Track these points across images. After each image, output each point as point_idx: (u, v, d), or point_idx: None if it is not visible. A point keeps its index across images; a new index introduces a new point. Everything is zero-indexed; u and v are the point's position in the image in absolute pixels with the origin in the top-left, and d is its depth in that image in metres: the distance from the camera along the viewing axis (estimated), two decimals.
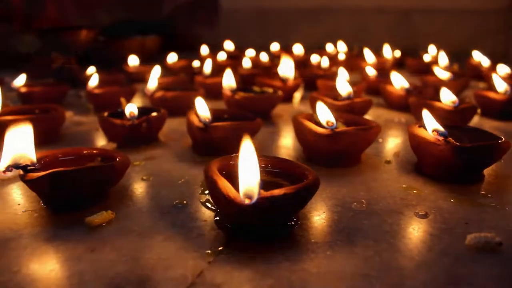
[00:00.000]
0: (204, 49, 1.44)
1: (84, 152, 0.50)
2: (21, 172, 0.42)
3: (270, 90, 0.81)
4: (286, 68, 0.91)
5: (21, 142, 0.43)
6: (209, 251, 0.37)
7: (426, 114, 0.54)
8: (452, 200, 0.46)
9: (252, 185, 0.35)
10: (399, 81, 0.86)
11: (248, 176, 0.36)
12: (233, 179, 0.39)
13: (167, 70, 1.26)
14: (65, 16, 1.35)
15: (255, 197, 0.35)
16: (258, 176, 0.36)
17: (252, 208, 0.35)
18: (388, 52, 1.41)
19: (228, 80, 0.77)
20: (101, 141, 0.67)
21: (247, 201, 0.35)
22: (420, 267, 0.35)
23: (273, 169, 0.44)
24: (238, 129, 0.57)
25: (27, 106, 0.73)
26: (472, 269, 0.34)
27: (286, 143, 0.67)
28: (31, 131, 0.44)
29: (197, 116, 0.60)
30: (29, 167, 0.42)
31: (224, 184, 0.37)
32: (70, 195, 0.43)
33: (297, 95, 1.02)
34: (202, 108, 0.60)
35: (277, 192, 0.36)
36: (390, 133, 0.72)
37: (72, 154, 0.50)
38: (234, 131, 0.57)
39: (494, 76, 0.83)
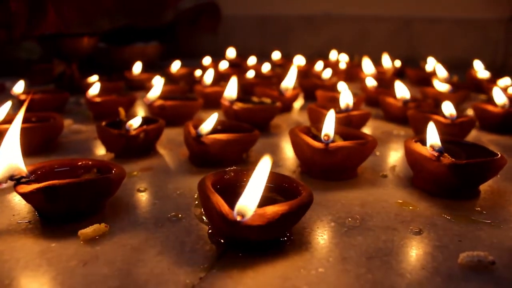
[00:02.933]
0: (207, 59, 1.44)
1: (80, 163, 0.50)
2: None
3: (269, 100, 0.82)
4: (287, 79, 0.91)
5: (11, 152, 0.43)
6: (201, 266, 0.37)
7: (430, 128, 0.54)
8: (447, 217, 0.46)
9: (247, 203, 0.35)
10: (401, 92, 0.86)
11: (249, 195, 0.36)
12: (227, 194, 0.40)
13: (168, 78, 1.26)
14: (66, 23, 1.35)
15: (248, 216, 0.35)
16: (258, 197, 0.36)
17: (243, 225, 0.35)
18: (388, 62, 1.41)
19: (230, 90, 0.77)
20: (99, 151, 0.68)
21: (239, 219, 0.35)
22: (412, 285, 0.35)
23: (268, 184, 0.44)
24: (234, 141, 0.57)
25: (25, 114, 0.73)
26: None
27: (283, 155, 0.67)
28: (17, 142, 0.44)
29: (194, 127, 0.60)
30: (23, 179, 0.42)
31: (217, 200, 0.37)
32: (64, 208, 0.43)
33: (297, 105, 1.02)
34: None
35: (269, 210, 0.36)
36: (388, 146, 0.72)
37: (68, 165, 0.50)
38: (229, 144, 0.57)
39: (494, 89, 0.83)
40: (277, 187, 0.44)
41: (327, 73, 1.14)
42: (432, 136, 0.53)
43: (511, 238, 0.42)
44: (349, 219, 0.45)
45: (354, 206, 0.49)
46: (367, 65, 1.30)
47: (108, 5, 1.54)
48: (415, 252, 0.40)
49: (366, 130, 0.82)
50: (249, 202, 0.36)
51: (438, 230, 0.43)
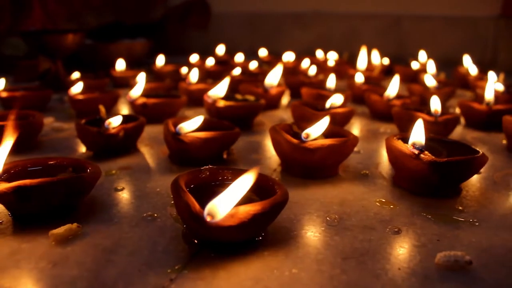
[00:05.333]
0: (194, 57, 1.43)
1: (55, 162, 0.49)
2: None
3: (252, 98, 0.81)
4: (272, 76, 0.91)
5: None
6: (172, 267, 0.36)
7: (417, 125, 0.53)
8: (427, 215, 0.46)
9: (219, 205, 0.35)
10: (391, 89, 0.85)
11: (224, 198, 0.35)
12: (202, 193, 0.39)
13: (154, 74, 1.25)
14: (52, 19, 1.34)
15: (218, 218, 0.34)
16: (233, 204, 0.35)
17: (215, 226, 0.34)
18: (377, 59, 1.40)
19: (219, 89, 0.76)
20: (80, 149, 0.66)
21: (209, 219, 0.34)
22: (386, 286, 0.34)
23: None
24: (214, 139, 0.56)
25: (4, 112, 0.72)
26: None
27: (265, 153, 0.66)
28: None
29: (172, 125, 0.59)
30: None
31: (188, 199, 0.36)
32: (37, 208, 0.42)
33: (284, 102, 1.01)
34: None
35: (241, 210, 0.35)
36: (372, 144, 0.71)
37: (42, 164, 0.49)
38: (209, 142, 0.56)
39: (487, 85, 0.82)
40: (253, 186, 0.43)
41: (313, 70, 1.14)
42: (417, 133, 0.52)
43: (490, 237, 0.42)
44: (327, 218, 0.45)
45: (333, 205, 0.48)
46: (362, 59, 1.29)
47: (96, 1, 1.53)
48: (392, 252, 0.39)
49: (352, 127, 0.81)
50: (221, 205, 0.35)
51: (417, 230, 0.43)
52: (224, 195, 0.35)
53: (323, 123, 0.55)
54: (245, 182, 0.37)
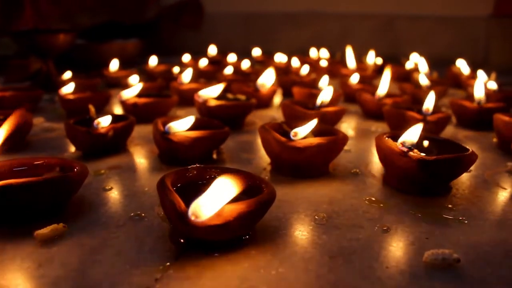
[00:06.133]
0: (186, 57, 1.42)
1: (42, 162, 0.49)
2: None
3: (243, 97, 0.80)
4: (264, 76, 0.90)
5: None
6: (158, 267, 0.35)
7: (417, 127, 0.53)
8: (416, 214, 0.46)
9: (203, 205, 0.34)
10: (382, 87, 0.85)
11: (209, 199, 0.35)
12: (189, 193, 0.38)
13: (146, 75, 1.24)
14: (43, 18, 1.33)
15: (203, 217, 0.34)
16: (218, 207, 0.35)
17: (200, 225, 0.34)
18: (371, 59, 1.40)
19: (212, 91, 0.76)
20: (69, 149, 0.66)
21: (193, 218, 0.34)
22: (373, 285, 0.34)
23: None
24: (203, 138, 0.56)
25: None
26: (426, 287, 0.34)
27: (255, 152, 0.65)
28: None
29: (162, 124, 0.58)
30: None
31: (173, 198, 0.36)
32: (22, 208, 0.42)
33: (276, 101, 1.01)
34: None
35: (227, 209, 0.35)
36: (363, 143, 0.71)
37: (28, 164, 0.48)
38: (198, 141, 0.56)
39: (475, 84, 0.82)
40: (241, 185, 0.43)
41: (305, 70, 1.13)
42: (411, 134, 0.52)
43: (478, 234, 0.42)
44: (316, 217, 0.45)
45: (321, 204, 0.48)
46: (350, 60, 1.29)
47: (89, 1, 1.53)
48: (380, 250, 0.39)
49: (344, 126, 0.81)
50: (205, 204, 0.34)
51: (406, 228, 0.43)
52: (209, 195, 0.35)
53: (312, 123, 0.55)
54: (230, 185, 0.36)
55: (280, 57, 1.47)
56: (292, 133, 0.53)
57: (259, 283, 0.34)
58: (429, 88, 0.95)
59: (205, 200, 0.35)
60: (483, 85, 0.81)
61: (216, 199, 0.35)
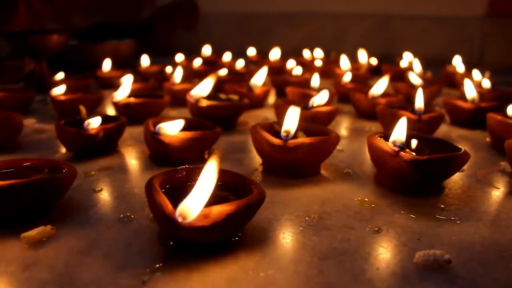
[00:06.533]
0: (179, 56, 1.42)
1: (30, 163, 0.48)
2: None
3: (236, 97, 0.80)
4: (257, 76, 0.90)
5: None
6: (146, 269, 0.35)
7: (400, 123, 0.53)
8: (408, 214, 0.45)
9: (190, 205, 0.34)
10: (376, 88, 0.85)
11: (194, 197, 0.35)
12: (178, 194, 0.38)
13: (140, 75, 1.24)
14: (37, 19, 1.32)
15: (190, 218, 0.33)
16: (204, 201, 0.35)
17: (188, 226, 0.33)
18: (364, 58, 1.40)
19: (201, 89, 0.75)
20: (60, 150, 0.65)
21: (180, 219, 0.33)
22: (364, 287, 0.33)
23: (219, 182, 0.42)
24: (194, 139, 0.56)
25: None
26: None
27: (247, 153, 0.65)
28: None
29: (152, 125, 0.58)
30: None
31: (160, 199, 0.35)
32: (9, 210, 0.41)
33: (270, 101, 1.01)
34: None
35: (215, 210, 0.34)
36: (355, 143, 0.70)
37: (17, 165, 0.48)
38: (189, 142, 0.55)
39: (465, 83, 0.82)
40: (231, 186, 0.42)
41: (299, 70, 1.13)
42: (399, 131, 0.52)
43: (470, 235, 0.41)
44: (306, 218, 0.44)
45: (312, 204, 0.47)
46: (344, 62, 1.29)
47: (83, 1, 1.52)
48: (371, 252, 0.38)
49: (337, 126, 0.81)
50: (192, 205, 0.34)
51: (397, 229, 0.42)
52: (194, 195, 0.35)
53: (293, 115, 0.54)
54: (209, 174, 0.36)
55: (275, 54, 1.46)
56: (283, 133, 0.53)
57: (248, 285, 0.33)
58: (423, 88, 0.95)
59: (192, 200, 0.34)
60: (473, 84, 0.81)
61: (200, 198, 0.35)
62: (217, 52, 1.58)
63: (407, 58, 1.41)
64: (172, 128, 0.57)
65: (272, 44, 1.51)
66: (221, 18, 1.95)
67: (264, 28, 1.89)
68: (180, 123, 0.58)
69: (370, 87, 0.88)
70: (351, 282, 0.34)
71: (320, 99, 0.73)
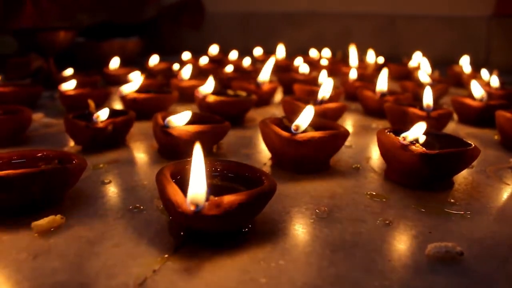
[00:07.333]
0: (186, 55, 1.42)
1: (41, 154, 0.48)
2: None
3: (244, 93, 0.80)
4: (265, 71, 0.90)
5: None
6: (156, 259, 0.35)
7: (418, 125, 0.52)
8: (418, 208, 0.45)
9: (199, 192, 0.34)
10: (380, 83, 0.85)
11: (196, 183, 0.34)
12: (187, 185, 0.38)
13: (147, 72, 1.24)
14: (44, 17, 1.33)
15: (201, 205, 0.33)
16: (204, 183, 0.34)
17: (199, 215, 0.33)
18: (372, 58, 1.40)
19: (207, 87, 0.75)
20: (68, 144, 0.65)
21: (192, 208, 0.33)
22: (376, 279, 0.33)
23: (230, 174, 0.42)
24: (203, 133, 0.56)
25: None
26: (429, 280, 0.33)
27: (256, 148, 0.65)
28: None
29: (161, 118, 0.58)
30: None
31: (172, 189, 0.35)
32: (19, 199, 0.41)
33: (277, 99, 1.01)
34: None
35: (226, 199, 0.34)
36: (364, 139, 0.70)
37: (28, 156, 0.48)
38: (198, 135, 0.55)
39: (472, 82, 0.82)
40: (241, 178, 0.42)
41: (305, 68, 1.13)
42: (415, 131, 0.51)
43: (482, 229, 0.41)
44: (317, 210, 0.44)
45: (323, 198, 0.47)
46: (353, 58, 1.29)
47: (89, 0, 1.52)
48: (382, 244, 0.38)
49: (345, 123, 0.80)
50: (198, 190, 0.34)
51: (408, 222, 0.42)
52: (193, 181, 0.35)
53: (309, 112, 0.54)
54: (197, 158, 0.36)
55: (281, 52, 1.46)
56: (293, 127, 0.52)
57: (259, 275, 0.33)
58: (430, 86, 0.95)
59: (195, 187, 0.34)
60: (479, 84, 0.81)
61: (200, 181, 0.35)
62: (223, 52, 1.58)
63: (416, 58, 1.40)
64: (180, 120, 0.57)
65: (277, 44, 1.51)
66: (227, 18, 1.95)
67: (269, 28, 1.89)
68: (188, 114, 0.58)
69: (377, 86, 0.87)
70: (363, 274, 0.34)
71: (325, 90, 0.73)
